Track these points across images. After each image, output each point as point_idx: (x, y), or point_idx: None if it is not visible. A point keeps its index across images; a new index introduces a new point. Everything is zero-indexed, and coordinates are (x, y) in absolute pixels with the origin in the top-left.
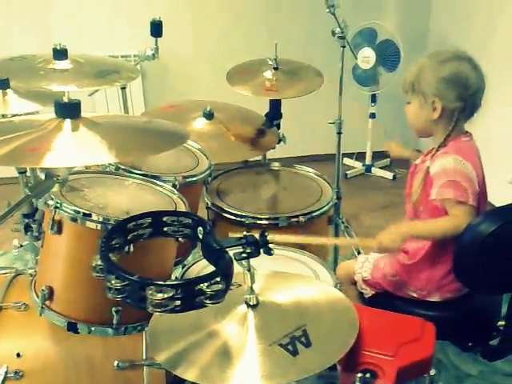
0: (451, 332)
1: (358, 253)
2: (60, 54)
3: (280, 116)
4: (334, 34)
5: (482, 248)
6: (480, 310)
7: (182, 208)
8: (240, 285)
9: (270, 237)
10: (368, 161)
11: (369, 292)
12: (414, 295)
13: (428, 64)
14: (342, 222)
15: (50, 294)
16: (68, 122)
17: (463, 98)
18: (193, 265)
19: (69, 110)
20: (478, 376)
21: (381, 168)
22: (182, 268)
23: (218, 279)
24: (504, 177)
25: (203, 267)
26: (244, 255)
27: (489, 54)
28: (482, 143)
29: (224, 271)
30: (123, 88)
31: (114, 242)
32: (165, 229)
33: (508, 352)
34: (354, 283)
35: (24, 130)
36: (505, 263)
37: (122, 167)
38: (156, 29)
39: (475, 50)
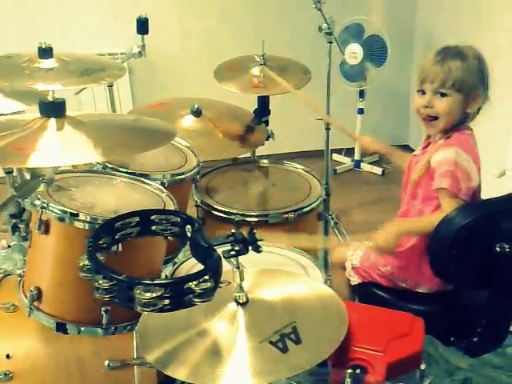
0: (434, 326)
1: None
2: (45, 52)
3: (268, 113)
4: (320, 29)
5: (455, 240)
6: (465, 304)
7: (170, 206)
8: (229, 282)
9: (259, 234)
10: (357, 156)
11: (356, 280)
12: (404, 285)
13: (469, 62)
14: (332, 218)
15: (38, 294)
16: (53, 121)
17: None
18: (183, 262)
19: (53, 109)
20: (468, 369)
21: (370, 163)
22: (173, 266)
23: (207, 277)
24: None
25: (193, 265)
26: (232, 253)
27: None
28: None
29: (213, 269)
30: (110, 86)
31: (101, 242)
32: (153, 227)
33: (489, 348)
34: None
35: (9, 129)
36: (479, 258)
37: (110, 166)
38: (142, 26)
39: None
